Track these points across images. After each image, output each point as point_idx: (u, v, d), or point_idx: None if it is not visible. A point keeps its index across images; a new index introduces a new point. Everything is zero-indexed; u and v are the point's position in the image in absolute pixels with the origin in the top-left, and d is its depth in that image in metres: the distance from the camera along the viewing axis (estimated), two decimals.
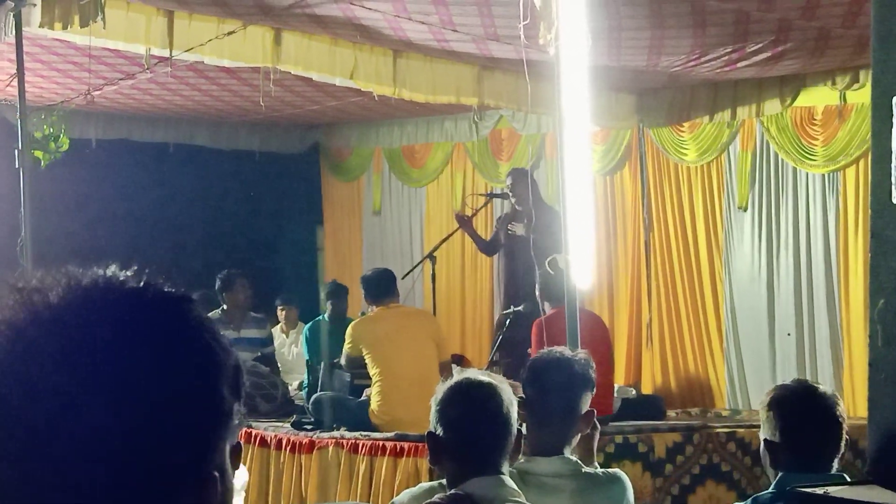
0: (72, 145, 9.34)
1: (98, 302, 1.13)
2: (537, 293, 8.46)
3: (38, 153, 8.68)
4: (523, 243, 9.43)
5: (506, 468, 3.10)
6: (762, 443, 3.59)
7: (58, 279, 1.14)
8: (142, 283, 1.15)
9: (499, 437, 3.06)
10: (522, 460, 3.48)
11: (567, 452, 3.68)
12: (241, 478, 6.12)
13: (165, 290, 1.16)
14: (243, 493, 6.20)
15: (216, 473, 1.16)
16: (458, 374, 3.24)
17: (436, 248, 10.26)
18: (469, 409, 3.05)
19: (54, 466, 1.08)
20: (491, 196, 10.42)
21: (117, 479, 1.09)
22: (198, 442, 1.15)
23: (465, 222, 10.03)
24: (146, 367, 1.11)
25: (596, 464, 3.88)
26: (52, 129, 8.99)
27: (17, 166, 7.33)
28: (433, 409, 3.08)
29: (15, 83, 7.48)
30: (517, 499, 3.00)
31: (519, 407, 3.16)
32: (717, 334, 10.23)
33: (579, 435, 3.77)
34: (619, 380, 9.93)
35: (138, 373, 1.10)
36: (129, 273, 1.16)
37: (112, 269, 1.16)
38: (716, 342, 10.22)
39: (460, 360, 9.54)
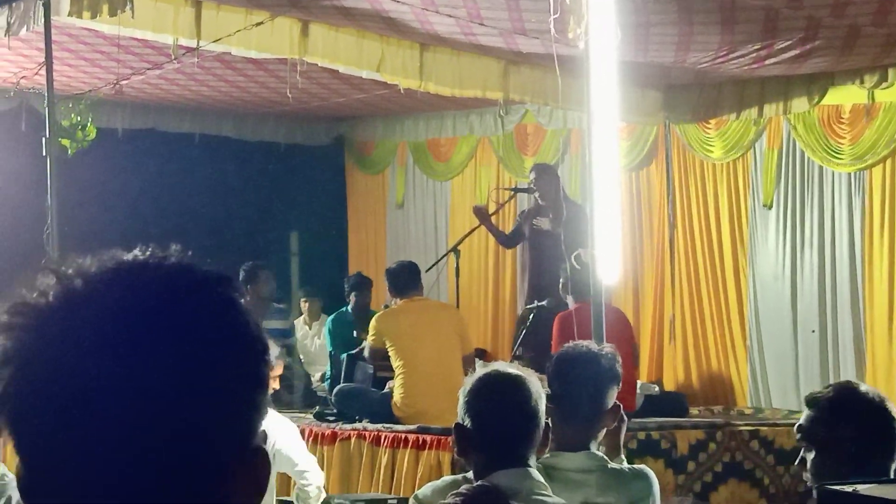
0: (98, 135, 9.37)
1: (140, 278, 1.14)
2: (561, 288, 8.45)
3: (66, 142, 8.71)
4: (548, 238, 9.41)
5: (533, 461, 3.09)
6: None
7: (96, 259, 1.15)
8: (183, 262, 1.16)
9: (526, 429, 3.06)
10: (548, 455, 3.47)
11: (593, 447, 3.67)
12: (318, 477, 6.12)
13: (206, 269, 1.16)
14: (323, 495, 6.22)
15: (261, 449, 1.17)
16: (482, 368, 3.23)
17: (460, 242, 10.26)
18: (497, 401, 3.04)
19: (97, 447, 1.09)
20: (516, 191, 10.41)
21: (166, 456, 1.10)
22: (244, 418, 1.16)
23: (483, 215, 10.03)
24: (195, 341, 1.11)
25: (622, 458, 3.87)
26: (79, 118, 9.02)
27: (44, 154, 7.35)
28: (461, 400, 3.08)
29: (43, 72, 7.51)
30: (544, 492, 3.00)
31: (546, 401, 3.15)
32: (740, 332, 10.19)
33: (605, 429, 3.76)
34: (642, 376, 9.92)
35: (186, 347, 1.11)
36: (168, 253, 1.16)
37: (150, 250, 1.17)
38: (739, 340, 10.19)
39: (482, 355, 9.54)
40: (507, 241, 10.25)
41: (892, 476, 3.35)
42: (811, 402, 3.45)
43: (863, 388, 3.50)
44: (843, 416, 3.36)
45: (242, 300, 1.17)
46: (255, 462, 1.16)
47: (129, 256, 1.16)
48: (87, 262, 1.15)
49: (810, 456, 3.41)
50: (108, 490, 1.10)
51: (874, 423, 3.36)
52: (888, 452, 3.36)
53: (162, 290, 1.13)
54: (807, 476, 3.46)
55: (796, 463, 3.54)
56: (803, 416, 3.47)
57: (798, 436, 3.48)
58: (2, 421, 1.14)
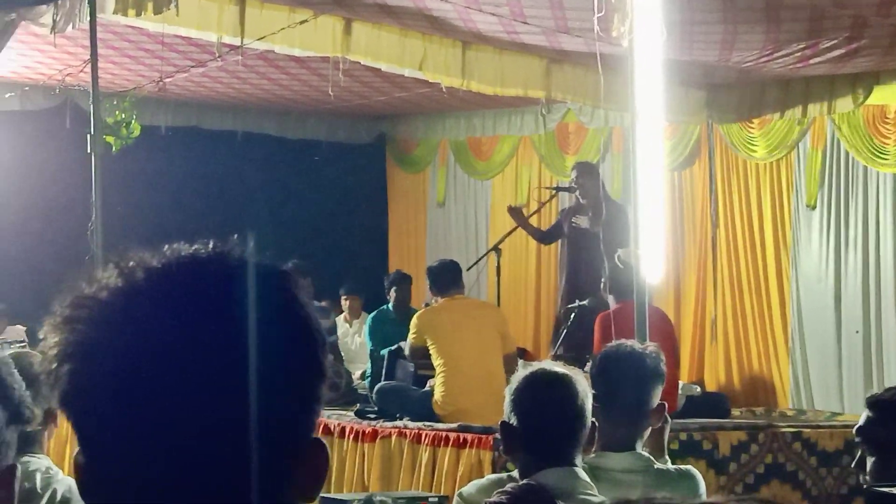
0: (142, 132, 9.42)
1: (203, 271, 1.14)
2: (602, 287, 8.42)
3: (110, 139, 8.75)
4: (588, 237, 9.39)
5: (579, 460, 3.07)
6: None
7: (157, 253, 1.15)
8: (245, 256, 1.16)
9: (573, 428, 3.04)
10: (593, 455, 3.46)
11: (638, 447, 3.65)
12: None
13: (268, 262, 1.16)
14: None
15: (320, 440, 1.18)
16: (523, 367, 3.22)
17: (501, 241, 10.25)
18: (544, 400, 3.03)
19: (164, 441, 1.09)
20: (558, 189, 10.39)
21: (234, 448, 1.10)
22: (307, 409, 1.16)
23: (518, 215, 10.02)
24: (260, 334, 1.11)
25: (667, 458, 3.84)
26: (123, 115, 9.07)
27: (88, 151, 7.39)
28: (507, 398, 3.07)
29: (88, 69, 7.55)
30: (590, 492, 2.99)
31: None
32: (782, 333, 10.13)
33: (650, 429, 3.74)
34: (684, 377, 9.87)
35: (252, 340, 1.11)
36: (229, 246, 1.16)
37: (212, 243, 1.16)
38: (781, 341, 10.13)
39: (523, 354, 9.52)
40: (543, 237, 10.24)
41: None
42: (872, 403, 3.37)
43: None
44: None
45: (303, 293, 1.17)
46: (316, 453, 1.17)
47: (190, 250, 1.16)
48: (148, 256, 1.15)
49: (870, 460, 3.32)
50: (174, 483, 1.10)
51: None
52: None
53: (226, 282, 1.13)
54: (865, 480, 3.40)
55: (853, 465, 3.48)
56: (863, 417, 3.38)
57: (857, 438, 3.39)
58: (66, 416, 1.15)
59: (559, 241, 10.11)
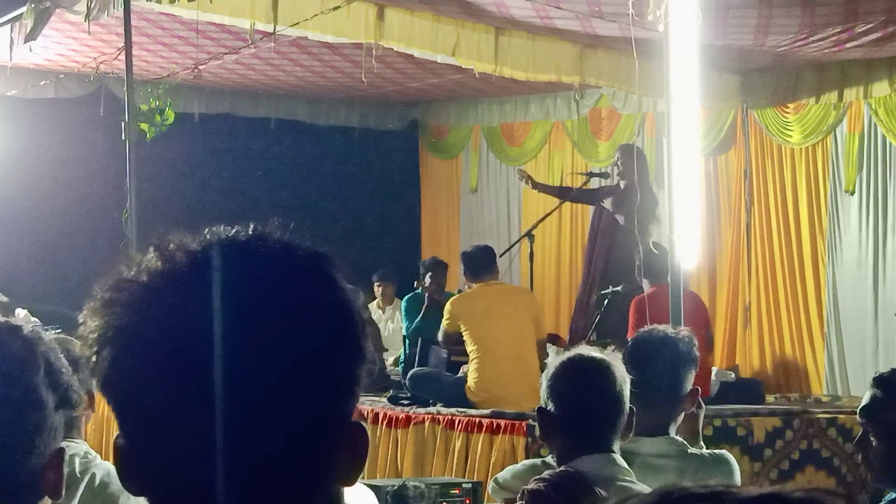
0: (176, 119, 9.45)
1: (245, 255, 1.13)
2: (636, 271, 8.38)
3: (144, 126, 8.79)
4: (619, 223, 9.37)
5: (617, 446, 3.05)
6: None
7: (197, 236, 1.14)
8: (285, 239, 1.15)
9: (611, 414, 3.02)
10: (627, 440, 3.44)
11: (672, 432, 3.64)
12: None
13: (308, 246, 1.16)
14: None
15: (360, 424, 1.17)
16: (554, 353, 3.20)
17: (534, 227, 10.23)
18: (582, 385, 3.01)
19: (207, 425, 1.09)
20: (590, 175, 10.35)
21: (278, 430, 1.10)
22: (349, 391, 1.15)
23: (527, 177, 10.12)
24: (303, 317, 1.11)
25: (702, 444, 3.83)
26: (157, 103, 9.11)
27: (123, 138, 7.43)
28: (544, 384, 3.05)
29: (122, 57, 7.58)
30: (628, 478, 2.96)
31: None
32: (817, 319, 10.06)
33: (683, 414, 3.72)
34: (718, 363, 9.83)
35: (295, 323, 1.10)
36: (270, 230, 1.16)
37: (253, 226, 1.16)
38: (816, 327, 10.06)
39: (555, 340, 9.50)
40: (561, 193, 10.27)
41: None
42: (882, 382, 3.24)
43: None
44: None
45: (342, 277, 1.16)
46: (357, 436, 1.16)
47: (231, 233, 1.15)
48: (187, 238, 1.14)
49: (876, 443, 3.20)
50: (216, 467, 1.09)
51: None
52: None
53: (266, 265, 1.12)
54: (867, 465, 3.26)
55: (854, 444, 3.35)
56: (867, 396, 3.27)
57: (862, 420, 3.26)
58: (106, 400, 1.14)
59: (591, 227, 10.06)
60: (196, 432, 1.09)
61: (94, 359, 1.12)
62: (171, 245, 1.13)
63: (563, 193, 10.34)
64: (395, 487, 5.73)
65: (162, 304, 1.10)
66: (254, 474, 1.10)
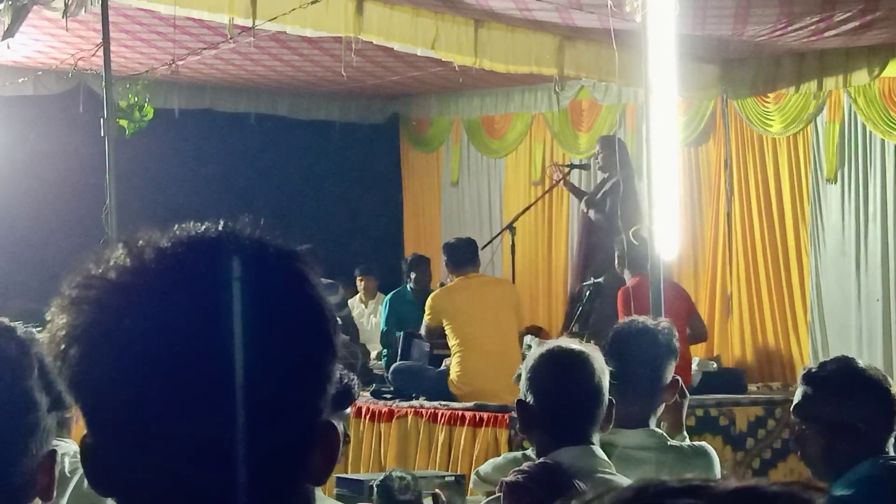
0: (155, 115, 9.41)
1: (214, 251, 1.12)
2: (616, 262, 8.39)
3: (123, 122, 8.75)
4: (602, 214, 9.38)
5: (596, 438, 3.06)
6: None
7: (167, 232, 1.13)
8: (256, 236, 1.14)
9: (590, 406, 3.02)
10: (606, 432, 3.44)
11: (652, 424, 3.64)
12: None
13: (278, 242, 1.15)
14: None
15: (332, 422, 1.16)
16: (536, 346, 3.20)
17: (515, 220, 10.23)
18: (560, 377, 3.01)
19: (176, 423, 1.08)
20: (571, 167, 10.36)
21: (246, 429, 1.08)
22: (319, 389, 1.14)
23: (560, 173, 10.05)
24: (273, 314, 1.10)
25: (685, 435, 3.83)
26: (136, 99, 9.06)
27: (102, 135, 7.40)
28: (523, 377, 3.05)
29: (100, 53, 7.55)
30: (608, 470, 2.97)
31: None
32: (801, 308, 10.09)
33: (664, 405, 3.73)
34: (700, 352, 9.85)
35: (264, 320, 1.09)
36: (240, 226, 1.15)
37: (222, 223, 1.15)
38: (800, 316, 10.09)
39: (538, 333, 9.52)
40: (583, 196, 10.16)
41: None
42: (813, 379, 3.25)
43: (860, 363, 3.33)
44: (851, 393, 3.19)
45: (312, 273, 1.15)
46: (329, 434, 1.15)
47: (200, 229, 1.14)
48: (157, 235, 1.13)
49: (812, 439, 3.23)
50: (184, 467, 1.08)
51: (880, 399, 3.22)
52: (889, 428, 3.24)
53: (237, 262, 1.11)
54: (807, 462, 3.28)
55: (792, 442, 3.36)
56: (801, 394, 3.27)
57: (797, 418, 3.27)
58: (73, 399, 1.13)
59: (581, 220, 10.07)
60: (165, 431, 1.08)
61: (61, 357, 1.11)
62: (141, 242, 1.12)
63: (582, 198, 10.25)
64: (381, 479, 5.71)
65: (131, 302, 1.09)
66: (225, 473, 1.08)
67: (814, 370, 3.32)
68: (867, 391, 3.23)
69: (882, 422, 3.24)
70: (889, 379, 3.32)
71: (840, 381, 3.24)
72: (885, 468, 3.17)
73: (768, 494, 0.90)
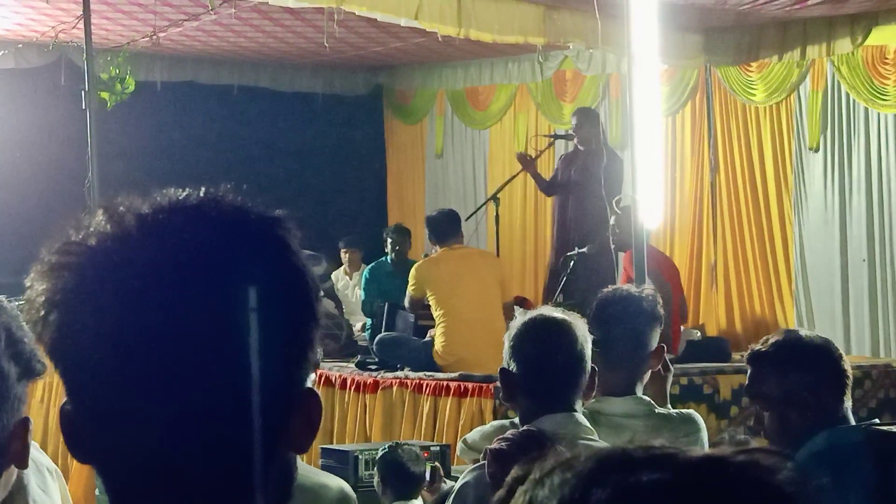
0: (137, 87, 9.38)
1: (196, 217, 1.11)
2: (609, 232, 8.38)
3: (105, 95, 8.72)
4: (583, 185, 9.37)
5: (579, 406, 3.07)
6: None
7: (148, 199, 1.12)
8: (237, 202, 1.13)
9: (572, 373, 3.03)
10: (593, 400, 3.45)
11: (639, 391, 3.65)
12: None
13: (260, 209, 1.14)
14: None
15: (313, 390, 1.15)
16: (521, 314, 3.20)
17: (499, 190, 10.22)
18: (543, 345, 3.01)
19: (157, 389, 1.07)
20: (555, 137, 10.34)
21: (227, 396, 1.08)
22: (301, 356, 1.13)
23: (527, 163, 9.97)
24: (254, 280, 1.09)
25: (668, 407, 3.83)
26: (118, 71, 9.03)
27: (83, 107, 7.36)
28: (506, 344, 3.06)
29: (81, 25, 7.51)
30: (590, 437, 2.98)
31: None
32: (786, 276, 10.12)
33: (650, 372, 3.73)
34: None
35: (245, 286, 1.08)
36: (221, 192, 1.14)
37: (204, 189, 1.14)
38: (785, 284, 10.12)
39: (523, 303, 9.52)
40: (548, 188, 10.18)
41: (849, 416, 3.27)
42: (756, 358, 3.31)
43: (803, 333, 3.40)
44: (793, 365, 3.25)
45: (294, 240, 1.14)
46: (311, 402, 1.14)
47: (182, 195, 1.13)
48: (137, 201, 1.12)
49: (767, 416, 3.28)
50: (165, 434, 1.08)
51: (824, 367, 3.27)
52: (840, 394, 3.28)
53: (219, 228, 1.10)
54: (763, 438, 3.32)
55: (752, 425, 3.42)
56: (749, 376, 3.34)
57: (749, 399, 3.36)
58: (53, 365, 1.12)
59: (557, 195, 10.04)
60: (145, 398, 1.07)
61: (41, 323, 1.10)
62: (121, 208, 1.11)
63: (546, 189, 10.19)
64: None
65: (111, 267, 1.08)
66: (206, 440, 1.08)
67: (755, 348, 3.36)
68: (809, 360, 3.27)
69: (829, 388, 3.27)
70: (834, 345, 3.36)
71: (780, 355, 3.28)
72: (841, 437, 3.19)
73: (734, 464, 0.89)
